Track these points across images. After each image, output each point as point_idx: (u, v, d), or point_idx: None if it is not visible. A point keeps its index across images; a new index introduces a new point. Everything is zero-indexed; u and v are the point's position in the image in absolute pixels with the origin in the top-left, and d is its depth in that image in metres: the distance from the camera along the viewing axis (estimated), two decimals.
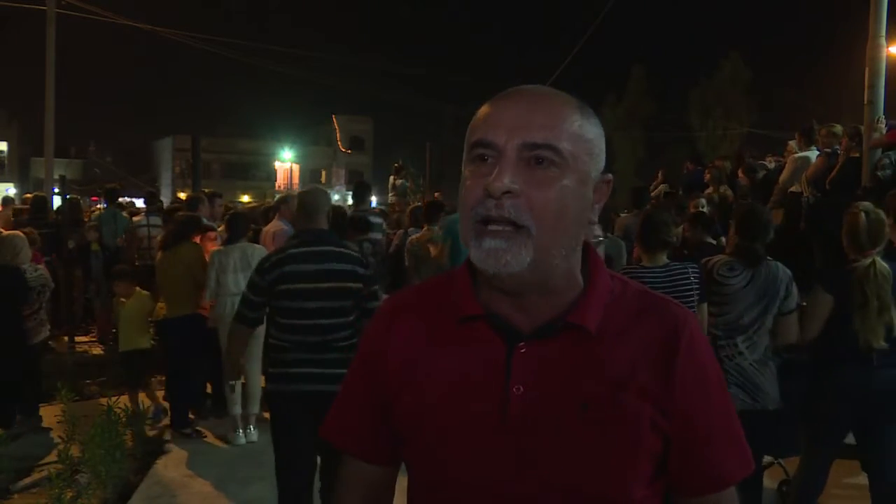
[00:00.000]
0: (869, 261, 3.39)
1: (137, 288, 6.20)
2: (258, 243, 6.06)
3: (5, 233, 6.01)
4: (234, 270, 5.39)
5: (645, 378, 1.00)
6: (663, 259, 3.76)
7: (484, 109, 1.02)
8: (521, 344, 1.02)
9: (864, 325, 3.35)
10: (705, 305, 3.55)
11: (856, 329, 3.36)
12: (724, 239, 6.17)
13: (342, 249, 3.53)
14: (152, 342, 6.24)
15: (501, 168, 0.96)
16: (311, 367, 3.33)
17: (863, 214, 3.49)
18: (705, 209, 7.10)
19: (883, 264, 3.39)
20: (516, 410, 1.00)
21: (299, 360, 3.35)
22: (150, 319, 6.20)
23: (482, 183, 0.97)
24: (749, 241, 3.59)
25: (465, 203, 1.00)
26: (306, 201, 3.63)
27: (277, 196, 7.48)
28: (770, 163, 8.97)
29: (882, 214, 3.54)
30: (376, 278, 3.63)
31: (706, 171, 9.30)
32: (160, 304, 5.88)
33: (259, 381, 5.53)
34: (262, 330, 5.39)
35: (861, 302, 3.36)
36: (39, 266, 6.02)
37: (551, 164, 0.97)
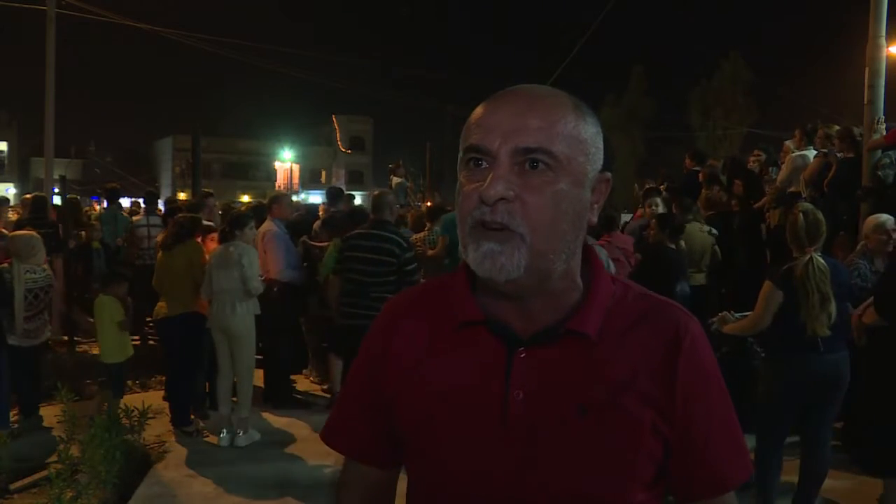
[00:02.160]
0: (807, 258, 3.75)
1: (104, 295, 5.87)
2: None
3: (22, 233, 6.01)
4: (217, 268, 5.34)
5: (646, 382, 1.00)
6: None
7: (477, 112, 1.01)
8: (521, 349, 1.01)
9: (808, 315, 3.70)
10: None
11: (802, 319, 3.70)
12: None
13: (389, 234, 5.30)
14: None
15: (495, 174, 0.95)
16: (352, 307, 5.25)
17: (801, 215, 3.86)
18: (660, 209, 7.05)
19: (820, 260, 3.75)
20: (516, 415, 0.99)
21: (348, 303, 5.31)
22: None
23: (477, 189, 0.96)
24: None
25: (462, 209, 0.99)
26: (374, 201, 5.59)
27: (273, 195, 7.45)
28: (753, 162, 8.94)
29: (820, 215, 3.89)
30: (412, 257, 5.31)
31: (700, 172, 9.28)
32: (160, 304, 5.84)
33: (251, 387, 5.41)
34: (251, 339, 5.40)
35: (804, 295, 3.71)
36: (45, 266, 6.03)
37: (546, 168, 0.96)
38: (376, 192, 5.86)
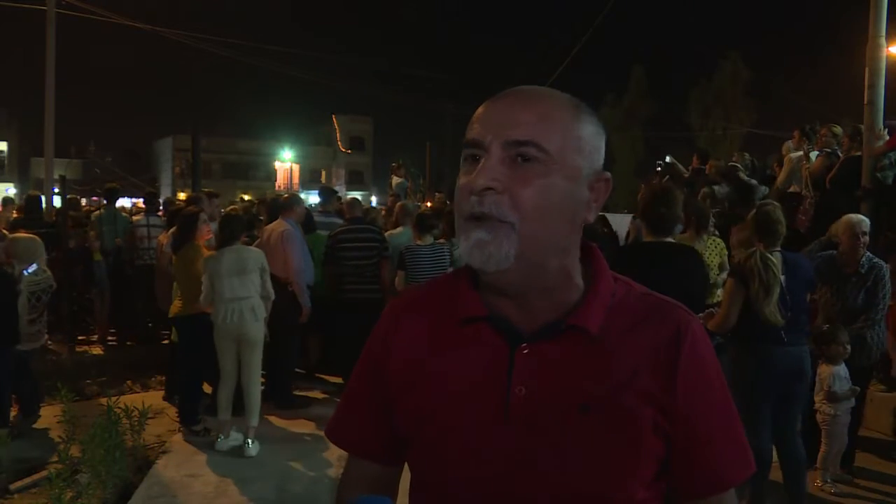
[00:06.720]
0: (752, 250, 3.90)
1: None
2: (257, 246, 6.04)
3: (22, 235, 6.00)
4: (229, 275, 5.13)
5: (647, 380, 1.00)
6: (430, 240, 6.09)
7: (478, 111, 1.03)
8: (524, 345, 1.02)
9: (759, 305, 3.80)
10: None
11: (756, 310, 3.81)
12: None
13: (371, 227, 6.84)
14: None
15: (484, 165, 0.97)
16: (353, 285, 6.50)
17: (755, 213, 4.02)
18: None
19: (765, 254, 3.86)
20: (518, 411, 0.99)
21: (349, 282, 6.53)
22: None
23: (469, 182, 0.99)
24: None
25: (456, 204, 1.02)
26: (352, 203, 7.19)
27: (286, 195, 7.46)
28: (710, 168, 9.03)
29: (777, 214, 3.97)
30: (385, 239, 6.68)
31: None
32: (176, 301, 5.80)
33: (258, 393, 5.30)
34: (258, 339, 5.29)
35: (753, 286, 3.85)
36: (45, 268, 6.01)
37: (536, 162, 0.97)
38: (352, 198, 7.48)
